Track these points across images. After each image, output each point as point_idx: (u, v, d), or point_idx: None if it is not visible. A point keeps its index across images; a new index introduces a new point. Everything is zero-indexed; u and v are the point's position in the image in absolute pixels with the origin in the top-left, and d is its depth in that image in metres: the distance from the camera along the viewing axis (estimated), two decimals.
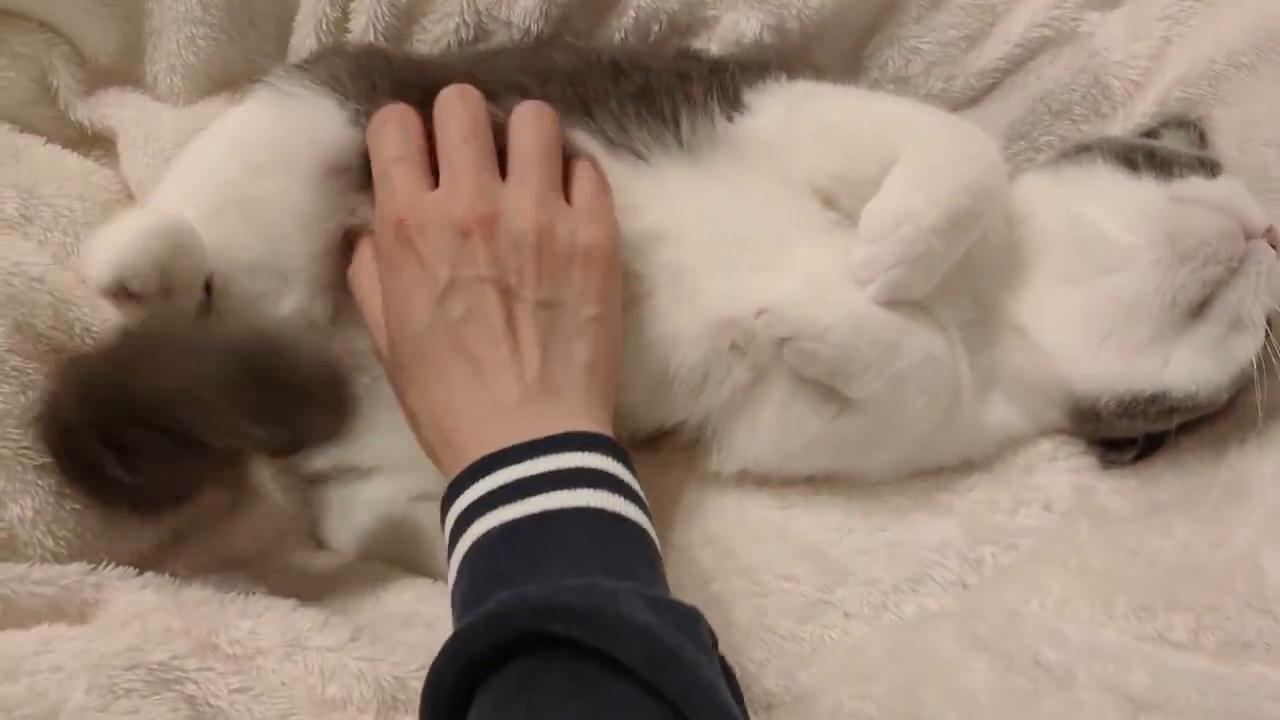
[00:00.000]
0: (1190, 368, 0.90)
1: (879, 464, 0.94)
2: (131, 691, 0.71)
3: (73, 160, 1.08)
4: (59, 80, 1.10)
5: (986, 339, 0.94)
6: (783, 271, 0.90)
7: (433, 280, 0.82)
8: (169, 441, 0.79)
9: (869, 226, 0.87)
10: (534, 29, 1.07)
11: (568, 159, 0.89)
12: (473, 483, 0.75)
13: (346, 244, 0.93)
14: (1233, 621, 0.79)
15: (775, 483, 0.95)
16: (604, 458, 0.76)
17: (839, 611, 0.87)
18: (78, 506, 0.84)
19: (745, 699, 0.68)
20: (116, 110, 1.11)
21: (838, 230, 0.91)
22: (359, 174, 0.91)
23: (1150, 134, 1.06)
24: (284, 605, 0.81)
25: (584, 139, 0.93)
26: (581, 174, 0.88)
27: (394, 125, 0.87)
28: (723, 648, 0.70)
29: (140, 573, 0.83)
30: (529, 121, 0.87)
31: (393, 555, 0.96)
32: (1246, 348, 0.90)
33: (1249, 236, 0.90)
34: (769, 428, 0.92)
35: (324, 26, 1.09)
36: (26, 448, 0.83)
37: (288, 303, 0.93)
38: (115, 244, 0.86)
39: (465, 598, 0.72)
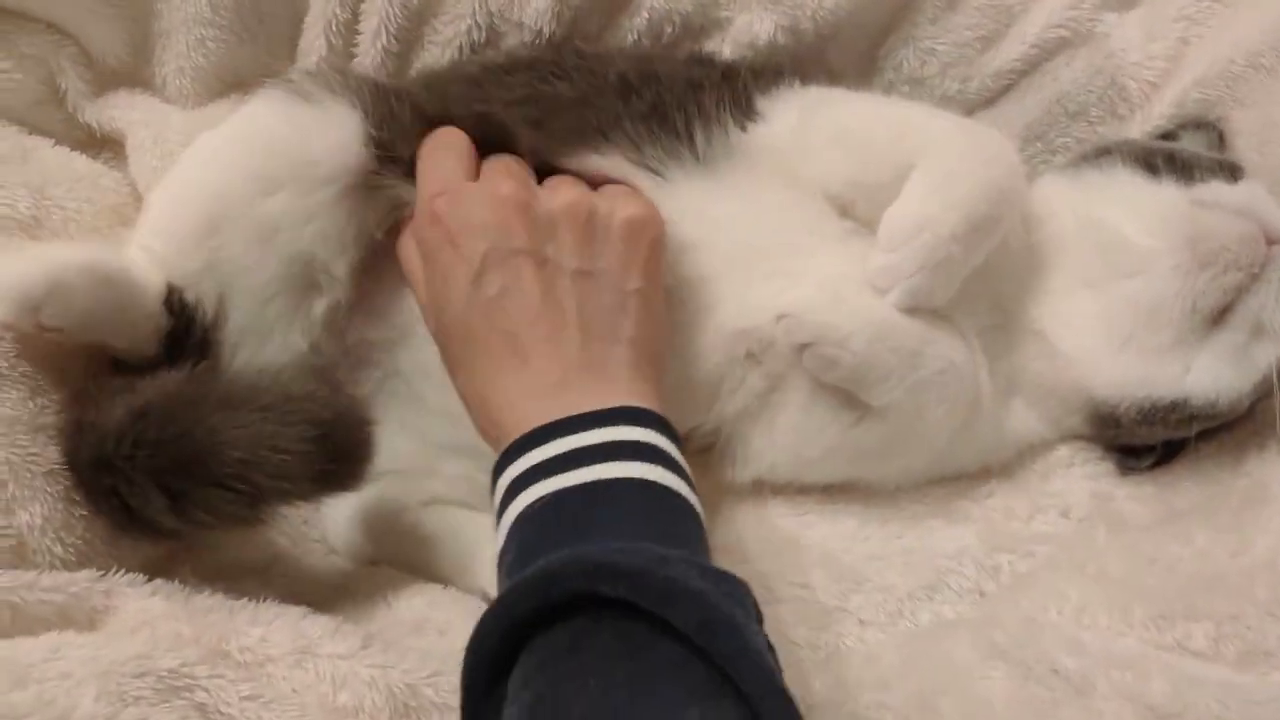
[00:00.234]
0: (1211, 375, 0.90)
1: (898, 471, 0.93)
2: (140, 699, 0.70)
3: (81, 162, 1.08)
4: (67, 82, 1.09)
5: (1006, 344, 0.94)
6: (800, 279, 0.89)
7: (469, 259, 0.81)
8: (230, 498, 0.79)
9: (887, 234, 0.86)
10: (546, 30, 1.06)
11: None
12: (522, 454, 0.75)
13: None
14: (1253, 630, 0.78)
15: (791, 490, 0.95)
16: (653, 433, 0.76)
17: (854, 619, 0.87)
18: (86, 513, 0.84)
19: None
20: (125, 112, 1.11)
21: (854, 238, 0.90)
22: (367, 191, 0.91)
23: (1168, 136, 1.05)
24: (294, 612, 0.81)
25: (602, 162, 0.92)
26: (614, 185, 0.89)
27: (447, 131, 0.88)
28: None
29: (149, 579, 0.82)
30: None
31: (403, 560, 0.95)
32: (1268, 355, 0.90)
33: (1271, 242, 0.89)
34: (786, 435, 0.92)
35: (334, 28, 1.09)
36: (35, 454, 0.83)
37: (297, 324, 0.92)
38: (3, 268, 0.83)
39: (512, 564, 0.72)
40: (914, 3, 1.10)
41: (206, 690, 0.72)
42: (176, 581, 0.83)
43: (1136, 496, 0.93)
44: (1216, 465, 0.95)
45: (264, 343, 0.91)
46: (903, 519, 0.93)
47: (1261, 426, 0.93)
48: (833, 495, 0.94)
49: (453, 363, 0.84)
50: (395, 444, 0.93)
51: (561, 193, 0.84)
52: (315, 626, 0.79)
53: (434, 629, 0.84)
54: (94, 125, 1.11)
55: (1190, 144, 1.03)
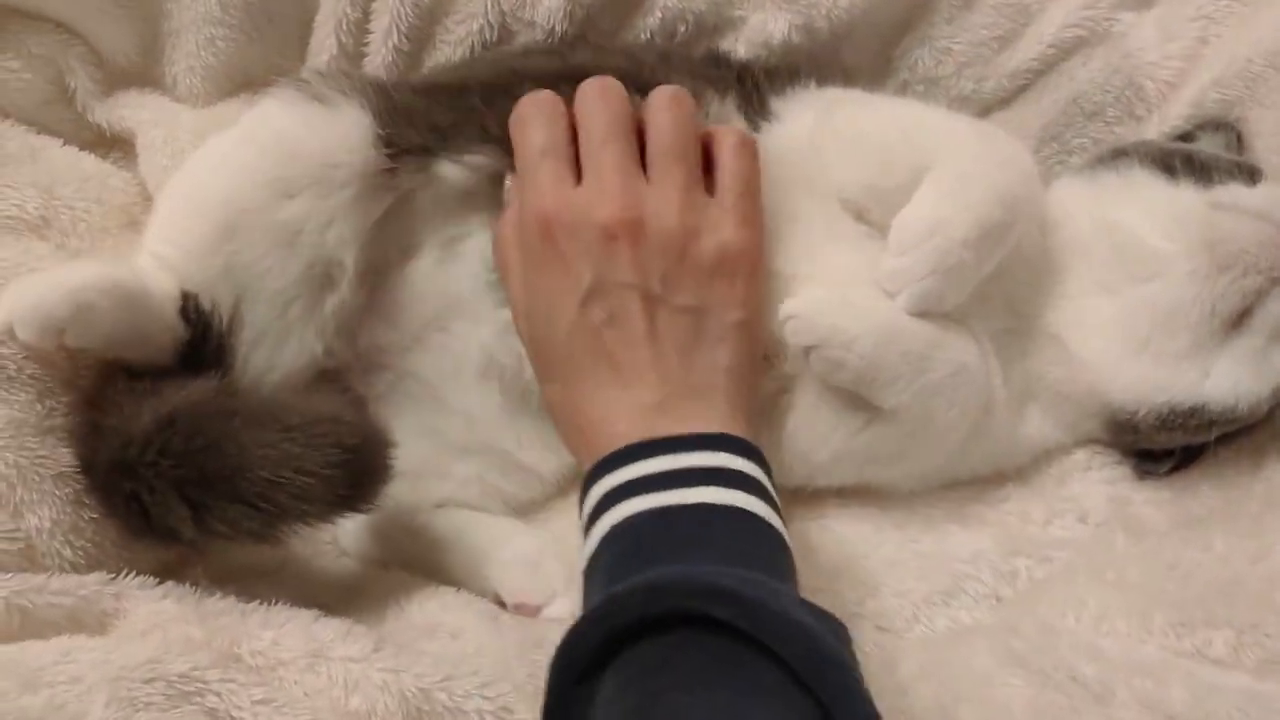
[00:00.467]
0: (1230, 380, 0.89)
1: (909, 475, 0.92)
2: (151, 705, 0.70)
3: (90, 162, 1.08)
4: (76, 81, 1.09)
5: (1021, 349, 0.93)
6: (812, 281, 0.89)
7: (577, 282, 0.82)
8: (252, 515, 0.79)
9: (899, 238, 0.86)
10: (558, 29, 1.05)
11: (708, 141, 0.87)
12: (620, 467, 0.76)
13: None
14: (1273, 638, 0.77)
15: (806, 494, 0.94)
16: (752, 465, 0.77)
17: (871, 624, 0.86)
18: (96, 516, 0.84)
19: None
20: (135, 111, 1.11)
21: (868, 241, 0.90)
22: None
23: (1186, 137, 1.04)
24: (306, 615, 0.80)
25: None
26: (726, 161, 0.86)
27: (541, 116, 0.86)
28: None
29: (160, 582, 0.82)
30: (665, 112, 0.86)
31: (415, 563, 0.95)
32: None
33: None
34: (794, 438, 0.91)
35: (344, 27, 1.08)
36: (43, 456, 0.83)
37: (312, 328, 0.92)
38: (19, 293, 0.83)
39: (608, 572, 0.72)
40: (930, 2, 1.09)
41: (218, 695, 0.72)
42: (188, 584, 0.83)
43: (1154, 501, 0.93)
44: (1235, 470, 0.94)
45: (280, 346, 0.91)
46: (919, 523, 0.92)
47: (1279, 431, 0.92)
48: (848, 499, 0.94)
49: (545, 371, 0.86)
50: (407, 446, 0.92)
51: (670, 213, 0.83)
52: (327, 630, 0.79)
53: (446, 632, 0.84)
54: (104, 125, 1.11)
55: (1208, 145, 1.02)
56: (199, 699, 0.72)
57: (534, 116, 0.86)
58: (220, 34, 1.10)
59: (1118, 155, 0.98)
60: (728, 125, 0.89)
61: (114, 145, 1.12)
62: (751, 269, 0.85)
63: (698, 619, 0.64)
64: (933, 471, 0.93)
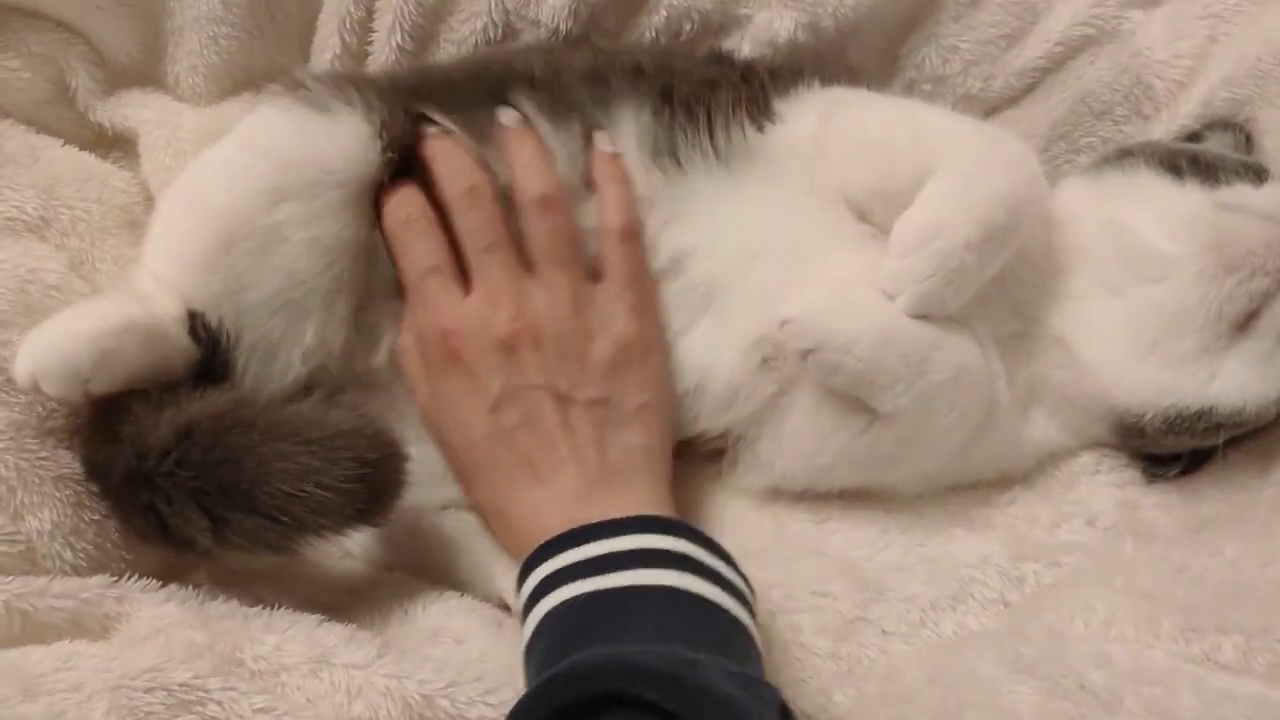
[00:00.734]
0: (1238, 382, 0.88)
1: (911, 479, 0.92)
2: (152, 714, 0.70)
3: (91, 162, 1.08)
4: (77, 81, 1.09)
5: (1027, 353, 0.93)
6: (813, 283, 0.88)
7: (484, 390, 0.86)
8: (270, 527, 0.80)
9: (900, 239, 0.85)
10: (563, 28, 1.05)
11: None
12: (551, 556, 0.78)
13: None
14: None
15: (811, 496, 0.94)
16: (683, 541, 0.78)
17: (876, 629, 0.86)
18: (97, 518, 0.84)
19: None
20: (138, 111, 1.10)
21: (871, 242, 0.89)
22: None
23: (1194, 137, 1.04)
24: (309, 620, 0.80)
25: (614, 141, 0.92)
26: (610, 253, 0.90)
27: (417, 234, 0.89)
28: None
29: (163, 585, 0.82)
30: (540, 219, 0.89)
31: (420, 565, 0.94)
32: None
33: None
34: (794, 442, 0.91)
35: (348, 25, 1.08)
36: (44, 459, 0.83)
37: (309, 335, 0.90)
38: (39, 346, 0.82)
39: (544, 657, 0.74)
40: (937, 0, 1.08)
41: (219, 703, 0.72)
42: (190, 587, 0.83)
43: (1163, 505, 0.92)
44: (1244, 473, 0.93)
45: (267, 363, 0.89)
46: (925, 527, 0.91)
47: None
48: (854, 502, 0.93)
49: (466, 476, 0.89)
50: (411, 451, 0.93)
51: (562, 315, 0.87)
52: (330, 635, 0.79)
53: (450, 637, 0.84)
54: (106, 124, 1.10)
55: (1216, 145, 1.01)
56: (200, 708, 0.71)
57: (411, 236, 0.89)
58: (223, 32, 1.09)
59: (1123, 156, 0.97)
60: (612, 193, 0.91)
61: (115, 145, 1.11)
62: (648, 352, 0.89)
63: (630, 699, 0.65)
64: (936, 475, 0.92)
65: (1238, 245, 0.87)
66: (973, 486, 0.94)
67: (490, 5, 1.05)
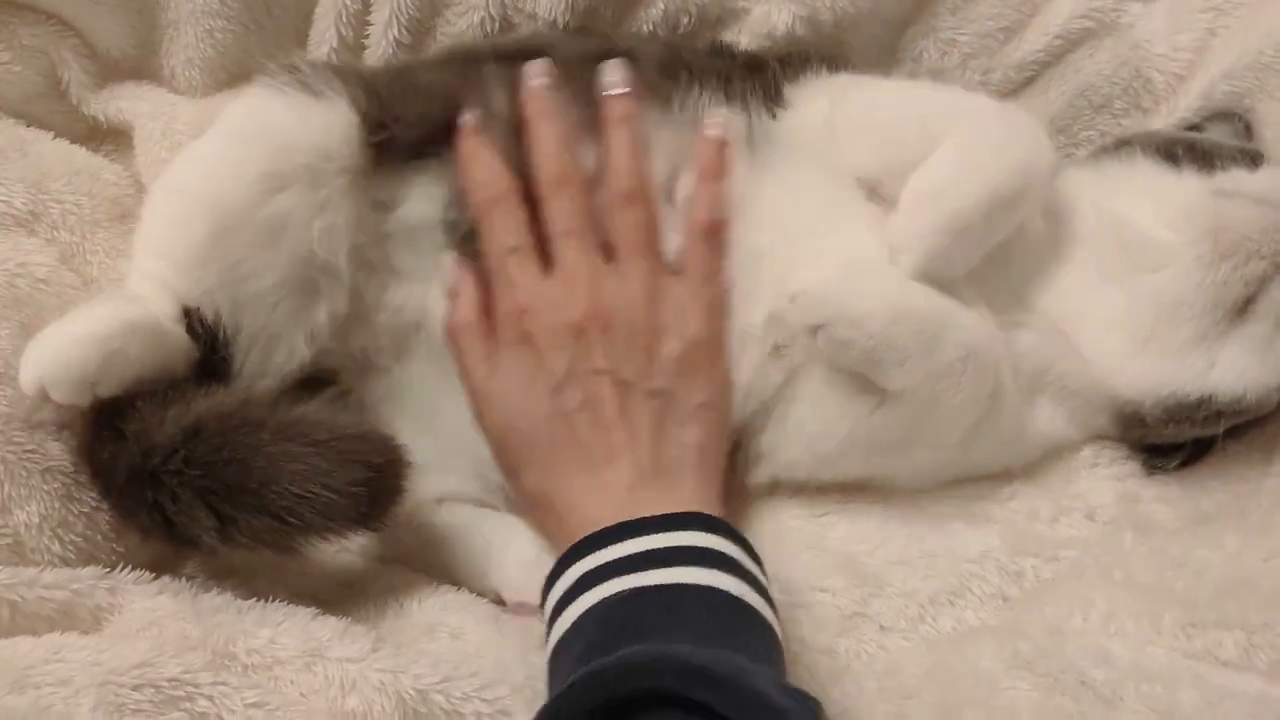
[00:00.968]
0: (1237, 369, 0.88)
1: (916, 468, 0.91)
2: (140, 711, 0.70)
3: (81, 155, 1.08)
4: (69, 74, 1.09)
5: (1030, 343, 0.92)
6: (825, 262, 0.88)
7: (550, 371, 0.86)
8: (277, 528, 0.79)
9: (908, 198, 0.86)
10: (560, 21, 1.05)
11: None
12: (594, 550, 0.77)
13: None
14: None
15: (809, 491, 0.93)
16: (726, 541, 0.77)
17: (875, 625, 0.86)
18: (86, 510, 0.84)
19: None
20: (132, 103, 1.10)
21: (884, 222, 0.89)
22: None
23: (1193, 128, 1.04)
24: (303, 614, 0.80)
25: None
26: (695, 245, 0.90)
27: (504, 211, 0.89)
28: None
29: (156, 577, 0.82)
30: (626, 211, 0.89)
31: (416, 559, 0.94)
32: None
33: None
34: (800, 429, 0.90)
35: (344, 19, 1.07)
36: (31, 451, 0.83)
37: (319, 317, 0.90)
38: (44, 354, 0.81)
39: (587, 650, 0.72)
40: None
41: (209, 698, 0.71)
42: (184, 579, 0.83)
43: (1163, 498, 0.92)
44: (1245, 465, 0.93)
45: (269, 353, 0.89)
46: (925, 521, 0.91)
47: None
48: (853, 496, 0.93)
49: (516, 461, 0.88)
50: (407, 443, 0.92)
51: (636, 304, 0.87)
52: (325, 628, 0.78)
53: (446, 632, 0.83)
54: (100, 117, 1.10)
55: (1216, 135, 1.01)
56: (188, 704, 0.71)
57: (497, 214, 0.90)
58: (219, 26, 1.09)
59: (1121, 145, 0.97)
60: (707, 189, 0.91)
61: (106, 138, 1.11)
62: (716, 353, 0.89)
63: (676, 699, 0.64)
64: (940, 465, 0.92)
65: (1233, 230, 0.87)
66: (973, 481, 0.93)
67: None
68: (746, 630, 0.74)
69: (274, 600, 0.81)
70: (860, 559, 0.89)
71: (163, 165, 1.06)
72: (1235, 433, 0.92)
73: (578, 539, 0.79)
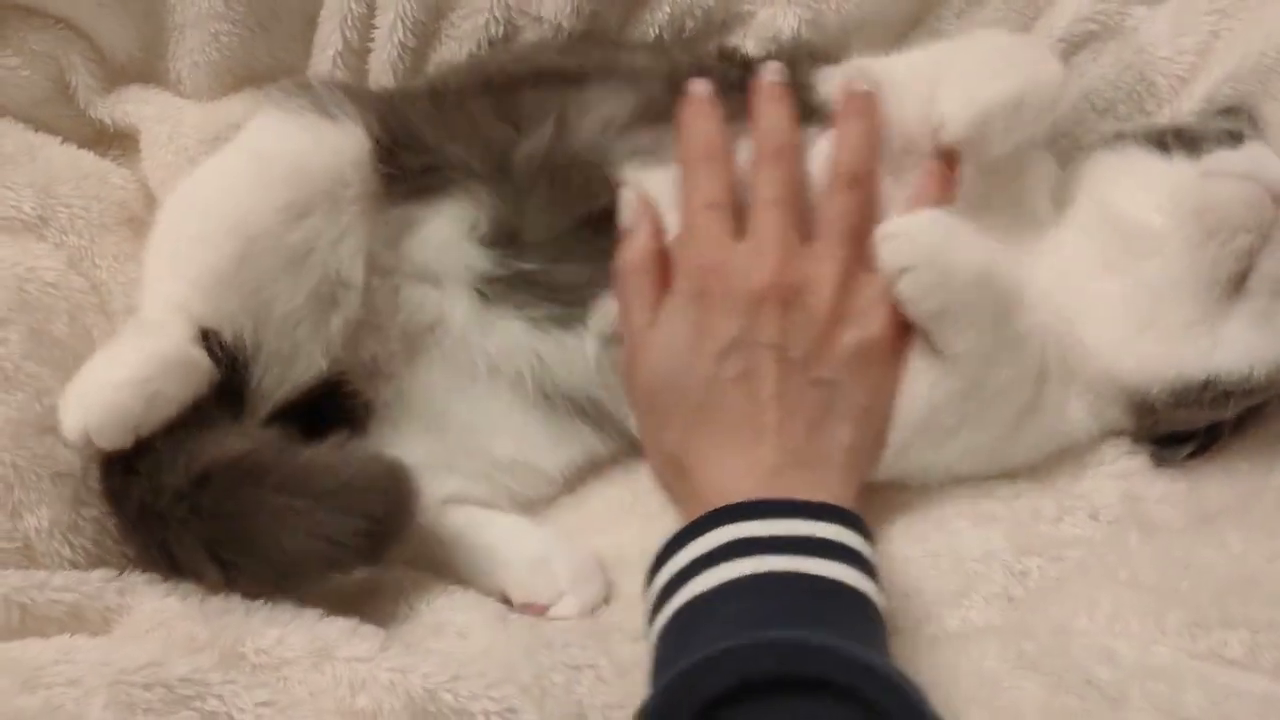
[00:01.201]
0: (1240, 345, 0.88)
1: (958, 453, 0.91)
2: (150, 710, 0.70)
3: (89, 160, 1.08)
4: (77, 78, 1.09)
5: (1055, 338, 0.92)
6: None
7: (718, 335, 0.83)
8: (278, 577, 0.81)
9: (946, 84, 0.87)
10: (565, 25, 1.05)
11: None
12: (747, 519, 0.75)
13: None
14: None
15: None
16: (868, 546, 0.76)
17: None
18: (95, 514, 0.84)
19: None
20: (139, 107, 1.11)
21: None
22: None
23: None
24: (311, 614, 0.80)
25: None
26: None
27: (710, 165, 0.88)
28: None
29: (164, 579, 0.82)
30: (845, 194, 0.88)
31: (422, 560, 0.93)
32: None
33: (1277, 200, 0.87)
34: None
35: (349, 23, 1.08)
36: (41, 456, 0.83)
37: (334, 332, 0.91)
38: (85, 402, 0.81)
39: (738, 618, 0.70)
40: None
41: (219, 697, 0.72)
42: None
43: (1168, 498, 0.91)
44: (1250, 464, 0.93)
45: (289, 366, 0.89)
46: (929, 521, 0.90)
47: None
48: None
49: (663, 417, 0.85)
50: (414, 444, 0.93)
51: (823, 290, 0.85)
52: (333, 628, 0.78)
53: (454, 631, 0.83)
54: (107, 121, 1.11)
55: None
56: (199, 702, 0.71)
57: (703, 168, 0.89)
58: (225, 30, 1.10)
59: (1116, 137, 0.98)
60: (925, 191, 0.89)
61: (113, 142, 1.12)
62: (893, 360, 0.86)
63: (843, 692, 0.64)
64: (980, 453, 0.91)
65: (1217, 208, 0.87)
66: (977, 480, 0.93)
67: (492, 1, 1.05)
68: (885, 641, 0.73)
69: (282, 601, 0.81)
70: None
71: (169, 169, 1.07)
72: (1240, 431, 0.93)
73: (715, 506, 0.76)
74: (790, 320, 0.83)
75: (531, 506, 0.97)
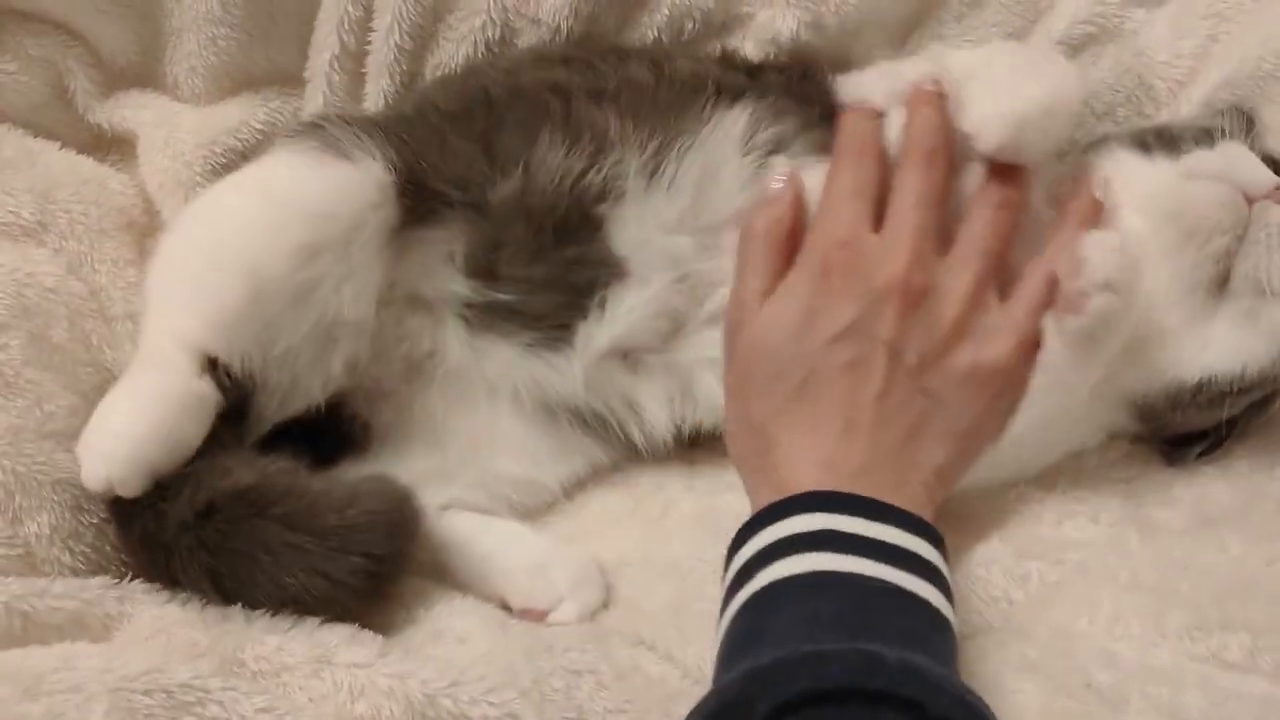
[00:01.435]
0: (1229, 346, 0.88)
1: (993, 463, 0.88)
2: (151, 716, 0.70)
3: (88, 165, 1.09)
4: (75, 83, 1.10)
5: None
6: None
7: (835, 315, 0.81)
8: (279, 608, 0.81)
9: (974, 96, 0.86)
10: (563, 27, 1.05)
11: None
12: (833, 511, 0.73)
13: None
14: None
15: None
16: (945, 563, 0.75)
17: None
18: (95, 521, 0.84)
19: None
20: (136, 112, 1.11)
21: None
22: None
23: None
24: (310, 621, 0.80)
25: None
26: (1031, 282, 0.85)
27: (863, 155, 0.87)
28: None
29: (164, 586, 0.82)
30: (993, 209, 0.86)
31: (422, 566, 0.93)
32: None
33: (1251, 200, 0.87)
34: None
35: (346, 25, 1.07)
36: (42, 463, 0.83)
37: (335, 366, 0.90)
38: (108, 455, 0.81)
39: (821, 619, 0.69)
40: None
41: (220, 703, 0.71)
42: None
43: (1168, 501, 0.92)
44: (1251, 468, 0.93)
45: (289, 396, 0.89)
46: None
47: None
48: None
49: (758, 386, 0.83)
50: (414, 459, 0.93)
51: (952, 299, 0.83)
52: (332, 635, 0.79)
53: (454, 637, 0.83)
54: (104, 126, 1.11)
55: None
56: (199, 708, 0.71)
57: (857, 153, 0.87)
58: (222, 33, 1.09)
59: (1101, 140, 0.98)
60: (1069, 234, 0.86)
61: (112, 147, 1.12)
62: (1009, 390, 0.83)
63: (910, 705, 0.62)
64: (1010, 462, 0.90)
65: (1192, 211, 0.88)
66: (977, 484, 0.92)
67: (489, 3, 1.05)
68: (956, 661, 0.71)
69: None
70: None
71: (166, 174, 1.08)
72: (1242, 436, 0.93)
73: (797, 492, 0.75)
74: (911, 322, 0.81)
75: (531, 513, 0.97)
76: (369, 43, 1.08)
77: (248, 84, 1.12)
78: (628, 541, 0.93)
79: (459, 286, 0.92)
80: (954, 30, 1.08)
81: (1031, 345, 0.83)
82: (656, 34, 1.06)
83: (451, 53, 1.07)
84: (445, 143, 0.92)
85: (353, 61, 1.09)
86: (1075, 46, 1.07)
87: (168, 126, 1.09)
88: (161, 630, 0.77)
